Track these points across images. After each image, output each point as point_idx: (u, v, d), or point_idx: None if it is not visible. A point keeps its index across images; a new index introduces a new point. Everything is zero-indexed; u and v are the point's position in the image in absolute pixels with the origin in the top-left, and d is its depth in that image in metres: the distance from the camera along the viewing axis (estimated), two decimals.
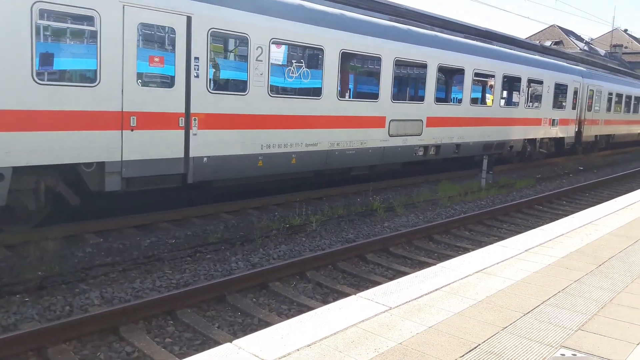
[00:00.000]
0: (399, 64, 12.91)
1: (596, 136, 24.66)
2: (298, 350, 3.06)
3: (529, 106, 18.51)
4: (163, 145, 8.49)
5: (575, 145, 22.70)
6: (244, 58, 9.63)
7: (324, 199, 11.96)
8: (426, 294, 4.13)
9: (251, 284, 6.44)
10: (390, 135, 12.81)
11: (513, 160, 19.31)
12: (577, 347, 3.32)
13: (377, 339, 3.28)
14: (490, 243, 8.09)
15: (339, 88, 11.45)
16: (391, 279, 6.91)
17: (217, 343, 4.92)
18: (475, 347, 3.23)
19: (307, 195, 11.78)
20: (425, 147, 14.07)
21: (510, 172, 18.03)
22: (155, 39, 8.38)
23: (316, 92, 11.06)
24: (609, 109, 25.45)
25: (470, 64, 15.18)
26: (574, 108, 21.65)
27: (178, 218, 9.38)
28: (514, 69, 17.24)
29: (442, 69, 14.27)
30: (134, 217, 8.97)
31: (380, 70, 12.43)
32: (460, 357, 3.10)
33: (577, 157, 23.99)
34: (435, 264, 5.14)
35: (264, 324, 5.49)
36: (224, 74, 9.88)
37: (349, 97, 12.22)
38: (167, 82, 8.53)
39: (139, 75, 8.09)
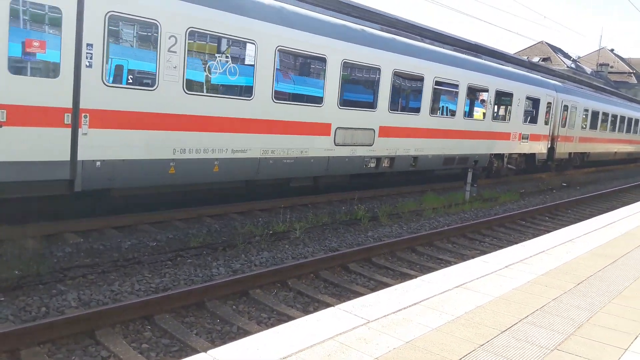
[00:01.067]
0: (347, 66, 11.81)
1: (570, 153, 23.86)
2: None
3: (496, 119, 17.57)
4: (43, 145, 7.26)
5: (547, 163, 21.95)
6: (153, 48, 8.32)
7: (309, 206, 11.95)
8: (405, 308, 4.13)
9: (232, 291, 6.39)
10: (337, 144, 11.77)
11: (480, 176, 18.28)
12: None
13: (354, 353, 3.27)
14: (473, 257, 8.14)
15: (274, 89, 10.25)
16: (373, 289, 6.92)
17: (195, 350, 4.88)
18: None
19: (292, 202, 11.76)
20: (378, 159, 13.02)
21: (495, 185, 18.18)
22: (34, 19, 7.07)
23: (246, 92, 9.80)
24: (584, 126, 24.65)
25: (430, 71, 14.10)
26: (546, 123, 20.80)
27: (160, 220, 9.30)
28: (480, 79, 16.24)
29: (398, 75, 13.17)
30: (115, 218, 8.88)
31: (326, 72, 11.28)
32: None
33: (563, 174, 24.24)
34: (416, 276, 5.15)
35: (243, 332, 5.45)
36: (126, 65, 8.40)
37: (287, 100, 10.78)
38: (50, 70, 7.27)
39: (11, 61, 6.84)
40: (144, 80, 8.40)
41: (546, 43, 59.39)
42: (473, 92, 16.35)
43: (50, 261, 6.91)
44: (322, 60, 11.22)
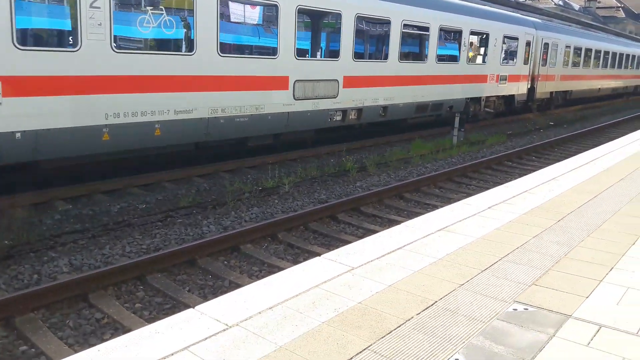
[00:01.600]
0: (303, 12, 10.89)
1: (552, 93, 23.08)
2: (260, 313, 3.14)
3: (472, 61, 16.80)
4: None
5: (527, 103, 21.23)
6: (71, 4, 7.43)
7: (298, 160, 11.97)
8: (388, 253, 4.23)
9: (222, 247, 6.50)
10: (296, 99, 10.99)
11: (466, 120, 17.77)
12: (530, 302, 3.46)
13: (338, 299, 3.37)
14: (459, 200, 8.25)
15: (219, 41, 9.35)
16: (361, 237, 7.04)
17: (187, 306, 5.00)
18: (431, 304, 3.35)
19: (281, 157, 11.77)
20: (344, 111, 12.36)
21: (482, 128, 18.21)
22: None
23: (187, 46, 9.04)
24: (566, 64, 23.68)
25: (397, 13, 13.17)
26: (526, 63, 19.86)
27: (149, 182, 9.31)
28: (452, 20, 15.29)
29: (362, 20, 12.35)
30: (103, 183, 8.87)
31: (279, 20, 10.28)
32: (417, 314, 3.21)
33: (551, 113, 24.23)
34: (403, 222, 5.24)
35: (235, 285, 5.57)
36: (40, 24, 7.59)
37: (235, 53, 10.04)
38: None
39: None
40: (64, 41, 7.73)
41: None
42: (446, 34, 15.50)
43: (40, 229, 6.96)
44: (274, 7, 10.27)
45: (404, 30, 13.53)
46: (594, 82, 27.84)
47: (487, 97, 18.16)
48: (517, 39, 18.99)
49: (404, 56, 13.93)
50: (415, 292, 3.53)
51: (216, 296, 5.07)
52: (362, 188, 9.85)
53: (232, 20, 9.86)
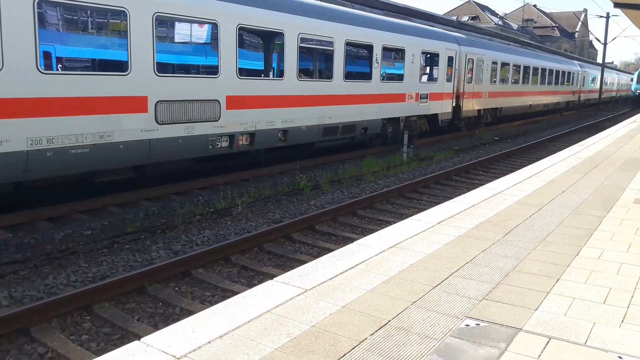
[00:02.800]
0: (164, 21, 9.20)
1: (480, 110, 22.29)
2: (209, 342, 3.04)
3: (387, 79, 15.53)
4: None
5: (453, 122, 20.36)
6: None
7: (251, 180, 11.88)
8: (341, 273, 4.21)
9: (173, 273, 6.31)
10: (160, 123, 9.23)
11: (374, 144, 16.64)
12: (481, 317, 3.51)
13: (291, 324, 3.31)
14: (411, 215, 8.37)
15: (40, 54, 7.58)
16: (316, 257, 7.01)
17: (137, 336, 4.81)
18: (385, 324, 3.34)
19: (233, 178, 11.64)
20: (230, 136, 10.73)
21: (431, 145, 18.67)
22: None
23: None
24: (494, 80, 23.05)
25: (293, 26, 11.75)
26: (449, 80, 19.04)
27: (94, 207, 8.99)
28: (361, 34, 14.10)
29: (247, 32, 10.82)
30: (46, 209, 8.50)
31: (129, 29, 8.61)
32: (370, 335, 3.20)
33: (494, 128, 25.05)
34: (357, 239, 5.24)
35: (187, 312, 5.42)
36: None
37: (67, 69, 8.12)
38: None
39: None
40: None
41: (474, 2, 60.57)
42: (354, 50, 14.24)
43: None
44: (123, 13, 8.56)
45: (302, 45, 12.22)
46: (524, 99, 27.56)
47: (407, 118, 16.92)
48: (437, 55, 18.04)
49: (305, 74, 12.67)
50: (368, 312, 3.52)
51: (166, 325, 4.92)
52: (316, 206, 9.85)
53: (62, 26, 7.98)
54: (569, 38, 74.80)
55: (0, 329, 4.78)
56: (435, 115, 18.58)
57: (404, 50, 16.09)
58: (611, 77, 53.87)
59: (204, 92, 10.05)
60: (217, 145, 10.57)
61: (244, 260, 7.03)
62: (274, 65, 12.08)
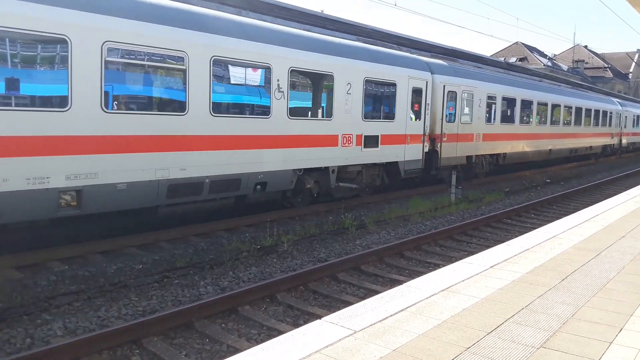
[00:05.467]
0: None
1: (470, 157, 17.83)
2: None
3: (299, 115, 11.42)
4: None
5: (430, 173, 16.05)
6: None
7: (297, 218, 11.93)
8: (391, 315, 4.13)
9: (220, 309, 6.35)
10: None
11: (294, 204, 12.30)
12: None
13: None
14: (460, 258, 8.17)
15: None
16: (362, 298, 6.90)
17: None
18: None
19: (279, 215, 11.74)
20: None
21: (480, 186, 18.31)
22: None
23: None
24: (492, 119, 18.69)
25: (97, 31, 7.81)
26: (417, 118, 14.83)
27: (146, 243, 9.22)
28: (248, 50, 9.95)
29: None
30: (100, 243, 8.79)
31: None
32: None
33: (544, 170, 24.28)
34: (405, 282, 5.15)
35: (233, 350, 5.41)
36: None
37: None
38: None
39: None
40: None
41: (522, 43, 60.25)
42: (233, 71, 9.97)
43: (34, 291, 6.81)
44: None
45: (121, 60, 8.19)
46: (540, 143, 22.58)
47: (344, 168, 12.76)
48: (394, 84, 13.77)
49: (128, 103, 8.47)
50: (420, 356, 3.42)
51: None
52: (362, 246, 9.77)
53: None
54: (622, 79, 72.94)
55: (54, 359, 4.91)
56: (396, 163, 14.27)
57: (332, 75, 11.91)
58: None
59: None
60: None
61: (289, 298, 7.01)
62: (67, 90, 7.60)
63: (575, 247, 6.64)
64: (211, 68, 9.41)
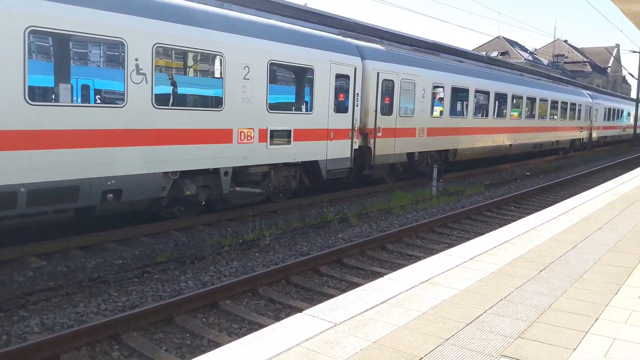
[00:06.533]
0: None
1: (413, 154, 15.82)
2: None
3: (174, 104, 9.35)
4: None
5: (362, 172, 14.17)
6: None
7: (279, 212, 11.90)
8: (372, 308, 4.14)
9: (201, 304, 6.31)
10: None
11: (178, 214, 10.24)
12: (517, 356, 3.39)
13: (321, 358, 3.26)
14: (441, 250, 8.23)
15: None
16: (344, 291, 6.92)
17: None
18: None
19: (261, 209, 11.69)
20: None
21: (460, 179, 18.45)
22: None
23: None
24: (438, 111, 16.90)
25: None
26: (342, 110, 12.72)
27: (125, 237, 9.12)
28: (99, 22, 7.91)
29: None
30: (79, 238, 8.66)
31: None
32: None
33: (525, 163, 24.54)
34: (386, 274, 5.17)
35: (214, 344, 5.38)
36: None
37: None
38: None
39: None
40: None
41: (503, 38, 60.75)
42: (62, 46, 7.90)
43: (10, 287, 6.70)
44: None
45: None
46: (498, 137, 20.82)
47: (243, 169, 10.57)
48: (311, 70, 11.70)
49: None
50: (400, 348, 3.44)
51: (194, 356, 4.89)
52: (344, 239, 9.79)
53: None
54: (601, 73, 74.05)
55: (31, 356, 4.83)
56: (315, 162, 12.22)
57: (221, 56, 9.68)
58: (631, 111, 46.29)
59: None
60: None
61: (271, 292, 6.99)
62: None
63: (554, 239, 6.73)
64: (26, 41, 7.12)
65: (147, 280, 7.24)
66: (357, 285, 7.20)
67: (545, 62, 58.41)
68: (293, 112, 11.75)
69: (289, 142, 11.39)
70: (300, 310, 6.02)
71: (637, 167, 19.93)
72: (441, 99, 16.90)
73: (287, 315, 6.11)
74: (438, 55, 19.14)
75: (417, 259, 8.53)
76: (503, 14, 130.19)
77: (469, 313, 4.10)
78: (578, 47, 74.91)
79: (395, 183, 15.98)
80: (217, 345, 5.27)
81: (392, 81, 14.51)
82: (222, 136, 9.92)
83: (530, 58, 55.80)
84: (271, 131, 10.90)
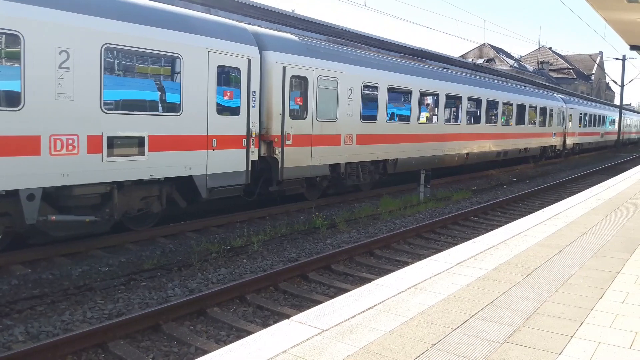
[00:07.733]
0: None
1: (337, 166, 13.34)
2: None
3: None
4: None
5: (268, 189, 11.78)
6: None
7: (267, 218, 11.89)
8: (359, 314, 4.15)
9: (188, 311, 6.28)
10: None
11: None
12: None
13: None
14: (428, 256, 8.27)
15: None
16: (332, 297, 6.92)
17: None
18: None
19: (250, 215, 11.67)
20: None
21: (447, 185, 18.56)
22: None
23: None
24: (370, 115, 14.31)
25: None
26: (232, 112, 10.38)
27: (112, 244, 9.05)
28: None
29: None
30: (64, 245, 8.58)
31: None
32: None
33: (512, 169, 24.68)
34: (374, 280, 5.18)
35: (201, 352, 5.35)
36: None
37: None
38: None
39: None
40: None
41: (489, 45, 61.36)
42: None
43: None
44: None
45: None
46: (452, 145, 18.40)
47: (65, 190, 7.93)
48: (176, 58, 9.18)
49: None
50: (387, 354, 3.44)
51: None
52: (333, 245, 9.79)
53: None
54: (585, 80, 75.04)
55: None
56: (190, 178, 9.67)
57: (17, 35, 7.13)
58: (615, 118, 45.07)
59: None
60: None
61: (259, 299, 6.97)
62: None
63: (540, 244, 6.80)
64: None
65: (134, 287, 7.19)
66: (345, 291, 7.21)
67: (531, 69, 59.09)
68: (149, 113, 8.91)
69: (141, 153, 8.75)
70: (288, 316, 6.00)
71: (621, 172, 20.19)
72: (375, 101, 14.42)
73: (275, 322, 6.08)
74: (388, 53, 17.25)
75: (405, 264, 8.56)
76: (489, 21, 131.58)
77: (455, 318, 4.12)
78: (562, 54, 75.89)
79: (382, 189, 16.02)
80: (204, 352, 5.24)
81: (305, 78, 12.06)
82: (22, 146, 7.27)
83: (516, 65, 56.42)
84: (109, 138, 8.28)
